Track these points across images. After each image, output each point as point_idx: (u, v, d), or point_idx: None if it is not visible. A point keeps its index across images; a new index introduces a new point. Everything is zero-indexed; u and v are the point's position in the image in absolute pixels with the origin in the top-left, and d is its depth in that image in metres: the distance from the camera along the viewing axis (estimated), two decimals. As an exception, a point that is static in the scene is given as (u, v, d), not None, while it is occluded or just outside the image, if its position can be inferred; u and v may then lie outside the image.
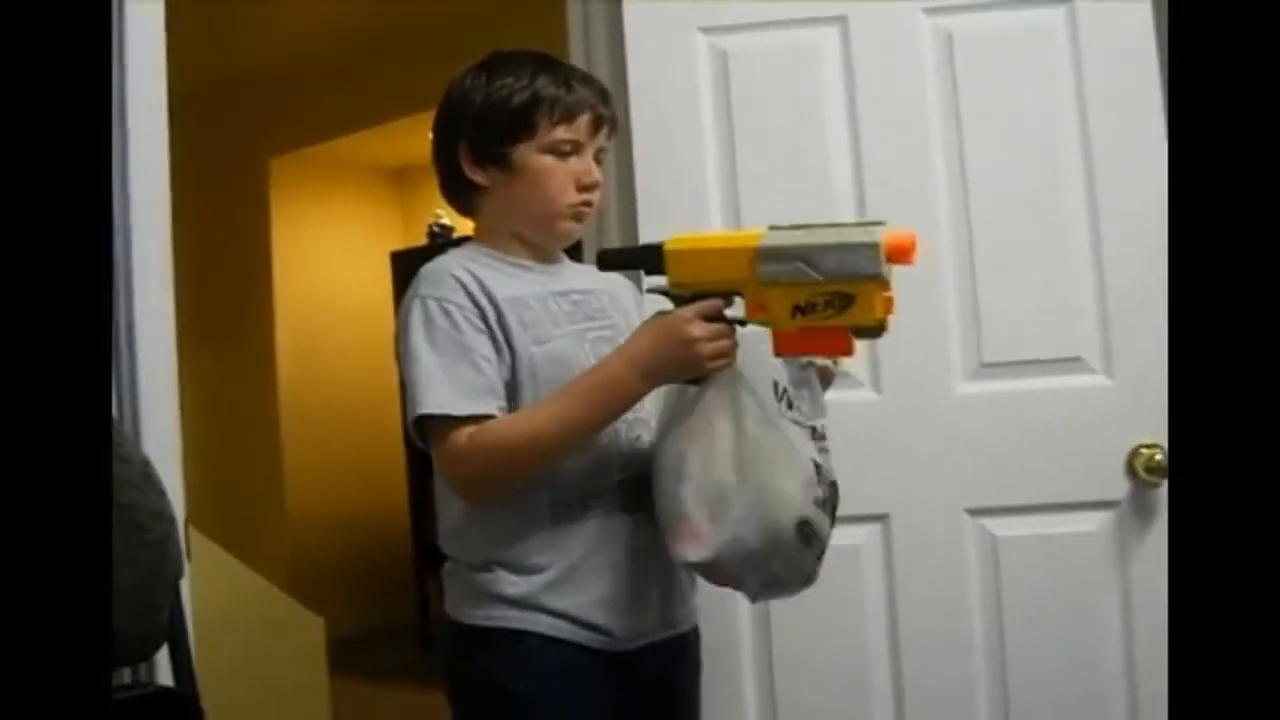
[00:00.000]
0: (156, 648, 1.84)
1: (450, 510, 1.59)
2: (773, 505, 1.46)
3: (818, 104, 2.10)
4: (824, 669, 2.05)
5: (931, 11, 2.09)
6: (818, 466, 1.51)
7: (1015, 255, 2.06)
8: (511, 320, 1.55)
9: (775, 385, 1.51)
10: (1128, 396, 2.01)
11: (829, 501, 1.51)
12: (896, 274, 1.40)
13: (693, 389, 1.51)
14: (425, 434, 1.53)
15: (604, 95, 1.65)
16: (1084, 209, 2.04)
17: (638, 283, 1.71)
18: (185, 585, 1.91)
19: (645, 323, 1.52)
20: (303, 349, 5.81)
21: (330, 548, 5.73)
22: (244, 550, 3.62)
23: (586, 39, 2.28)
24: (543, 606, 1.53)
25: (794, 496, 1.47)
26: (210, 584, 2.35)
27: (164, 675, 1.90)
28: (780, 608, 1.95)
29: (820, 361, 1.57)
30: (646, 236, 2.05)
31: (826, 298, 1.38)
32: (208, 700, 1.89)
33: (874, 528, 2.05)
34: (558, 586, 1.54)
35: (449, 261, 1.60)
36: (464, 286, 1.55)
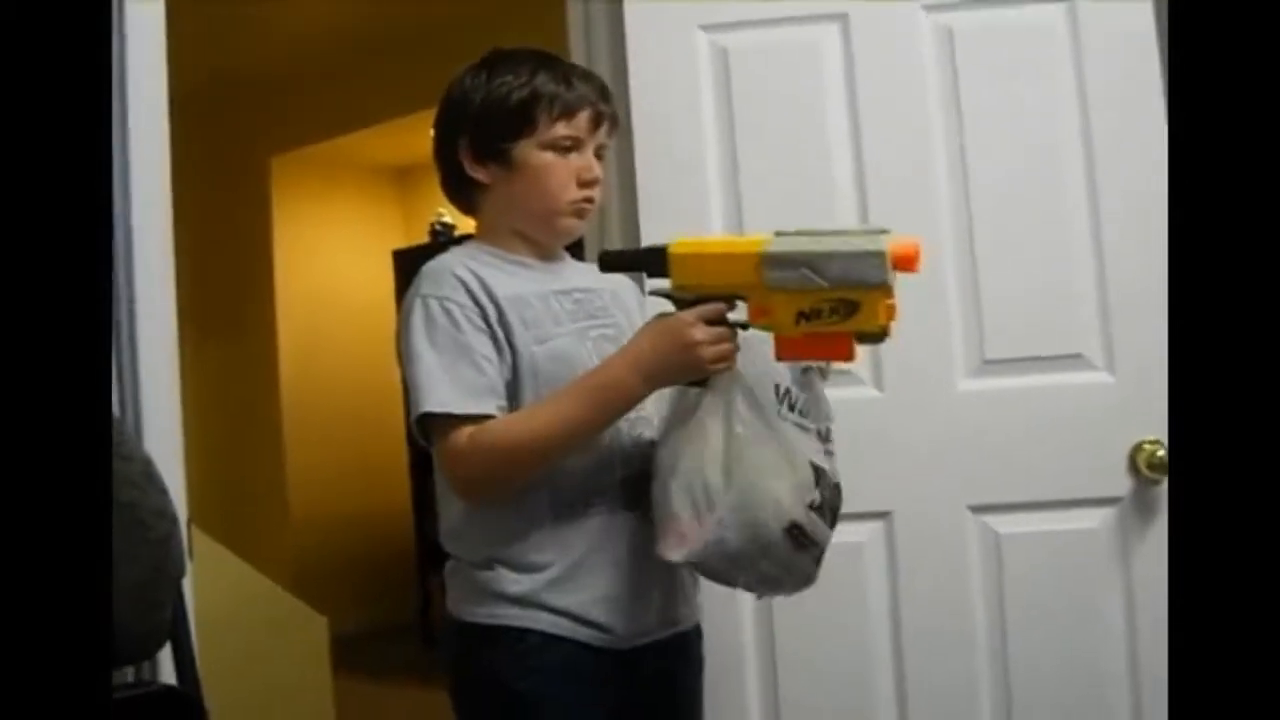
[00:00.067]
0: (159, 646, 1.85)
1: (451, 508, 1.59)
2: (757, 507, 1.46)
3: (818, 101, 2.10)
4: (826, 666, 2.05)
5: (932, 8, 2.09)
6: (818, 469, 1.50)
7: (1016, 252, 2.05)
8: (513, 319, 1.55)
9: (777, 388, 1.51)
10: (1129, 393, 2.01)
11: (828, 505, 1.50)
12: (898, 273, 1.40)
13: (694, 391, 1.51)
14: (427, 433, 1.53)
15: (604, 92, 1.65)
16: (1085, 206, 2.04)
17: (639, 282, 1.71)
18: (188, 584, 1.92)
19: (647, 325, 1.52)
20: (305, 348, 5.82)
21: (333, 546, 5.73)
22: (246, 548, 3.63)
23: (587, 37, 2.28)
24: (544, 604, 1.53)
25: (783, 499, 1.47)
26: (213, 582, 2.35)
27: (167, 674, 1.91)
28: (782, 605, 1.95)
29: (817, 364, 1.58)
30: (648, 234, 2.06)
31: (831, 304, 1.39)
32: (210, 698, 1.89)
33: (876, 525, 2.05)
34: (559, 584, 1.54)
35: (450, 260, 1.60)
36: (465, 285, 1.55)
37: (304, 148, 5.66)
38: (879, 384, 2.06)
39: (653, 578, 1.58)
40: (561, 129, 1.59)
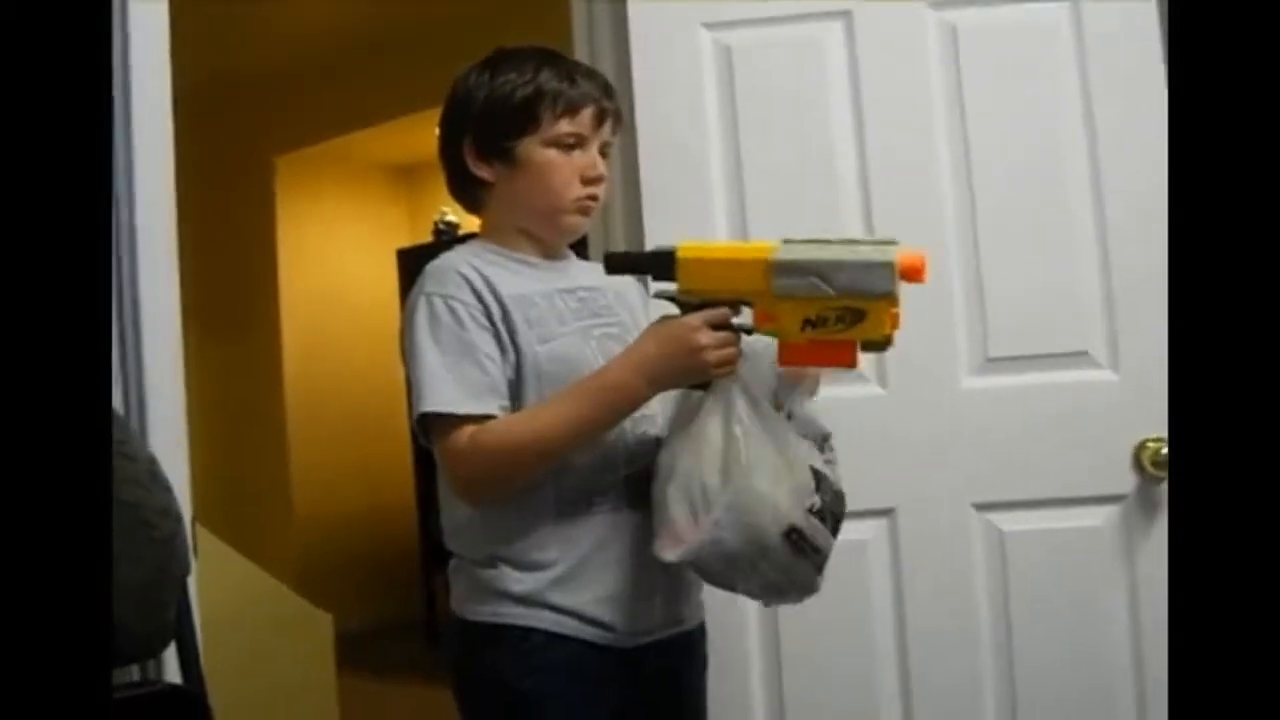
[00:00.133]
0: (164, 645, 1.85)
1: (454, 507, 1.59)
2: (752, 508, 1.45)
3: (822, 98, 2.10)
4: (830, 663, 2.05)
5: (936, 5, 2.09)
6: (818, 474, 1.50)
7: (1020, 250, 2.05)
8: (517, 318, 1.55)
9: (775, 399, 1.52)
10: (1133, 391, 2.00)
11: (829, 510, 1.49)
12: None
13: (697, 394, 1.52)
14: (428, 432, 1.53)
15: (607, 89, 1.65)
16: (1089, 204, 2.04)
17: (644, 282, 1.71)
18: (192, 583, 1.92)
19: (652, 327, 1.52)
20: (309, 346, 5.82)
21: (337, 544, 5.74)
22: (251, 547, 3.63)
23: (591, 35, 2.28)
24: (548, 603, 1.53)
25: (780, 502, 1.46)
26: (217, 581, 2.36)
27: (171, 673, 1.91)
28: (786, 603, 1.95)
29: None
30: (652, 232, 2.06)
31: (838, 312, 1.41)
32: (215, 697, 1.89)
33: (880, 522, 2.05)
34: (563, 583, 1.54)
35: (455, 258, 1.60)
36: (469, 284, 1.55)
37: (307, 147, 5.66)
38: (883, 381, 2.06)
39: (656, 576, 1.58)
40: (565, 126, 1.59)
